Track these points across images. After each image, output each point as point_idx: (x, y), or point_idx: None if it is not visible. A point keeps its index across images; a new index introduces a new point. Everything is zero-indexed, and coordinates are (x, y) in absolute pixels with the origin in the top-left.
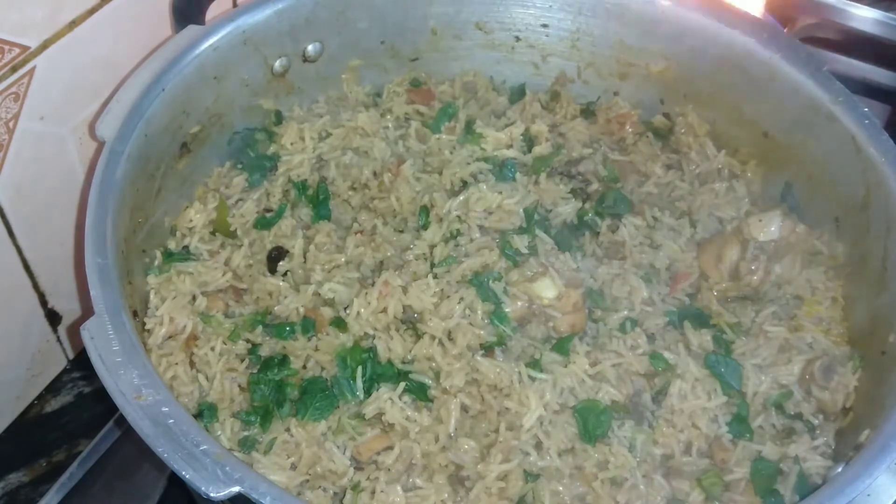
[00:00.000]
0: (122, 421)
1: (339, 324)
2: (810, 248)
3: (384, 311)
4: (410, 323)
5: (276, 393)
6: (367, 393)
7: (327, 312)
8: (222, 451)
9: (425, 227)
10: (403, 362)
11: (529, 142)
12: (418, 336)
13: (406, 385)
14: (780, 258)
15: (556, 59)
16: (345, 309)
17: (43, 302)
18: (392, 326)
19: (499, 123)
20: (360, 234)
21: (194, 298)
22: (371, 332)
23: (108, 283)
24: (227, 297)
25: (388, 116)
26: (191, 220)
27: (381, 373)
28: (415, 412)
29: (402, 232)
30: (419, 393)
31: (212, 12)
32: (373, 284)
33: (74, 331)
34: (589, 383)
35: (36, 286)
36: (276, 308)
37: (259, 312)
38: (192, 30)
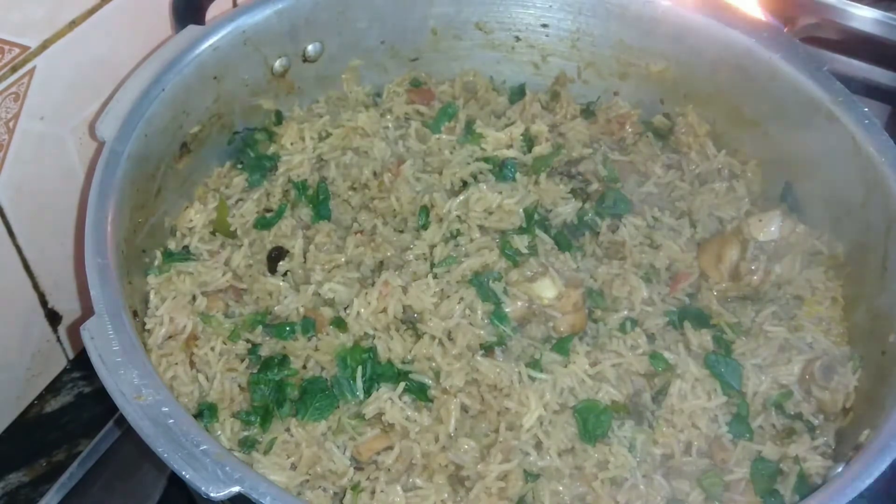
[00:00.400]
0: (122, 421)
1: (339, 324)
2: (810, 248)
3: (384, 311)
4: (410, 323)
5: (276, 393)
6: (367, 393)
7: (327, 312)
8: (222, 451)
9: (425, 227)
10: (403, 362)
11: (529, 142)
12: (418, 336)
13: (406, 385)
14: (780, 258)
15: (556, 59)
16: (345, 309)
17: (43, 302)
18: (392, 326)
19: (499, 123)
20: (360, 234)
21: (194, 298)
22: (371, 332)
23: (108, 283)
24: (227, 297)
25: (388, 116)
26: (191, 220)
27: (381, 373)
28: (415, 412)
29: (402, 232)
30: (419, 393)
31: (212, 12)
32: (373, 284)
33: (74, 331)
34: (589, 383)
35: (36, 286)
36: (276, 308)
37: (259, 312)
38: (192, 30)
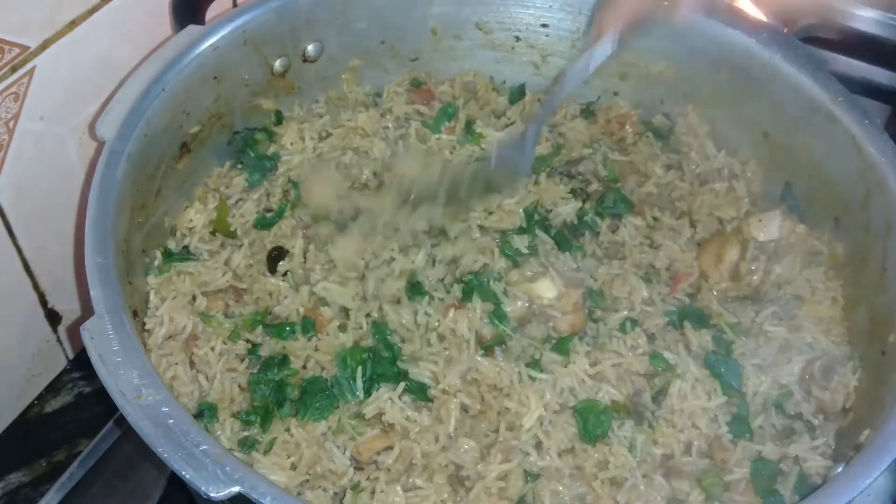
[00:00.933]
0: (122, 421)
1: (339, 324)
2: (810, 248)
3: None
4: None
5: (276, 393)
6: (367, 393)
7: (327, 312)
8: (222, 451)
9: None
10: (408, 329)
11: None
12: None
13: (406, 385)
14: (780, 258)
15: (556, 59)
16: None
17: (43, 302)
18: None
19: (499, 123)
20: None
21: (194, 298)
22: (381, 304)
23: (108, 283)
24: (227, 297)
25: (388, 116)
26: (191, 220)
27: (381, 373)
28: (415, 412)
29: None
30: (419, 393)
31: (212, 12)
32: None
33: (74, 331)
34: (589, 383)
35: (36, 286)
36: (276, 308)
37: (259, 312)
38: (192, 30)
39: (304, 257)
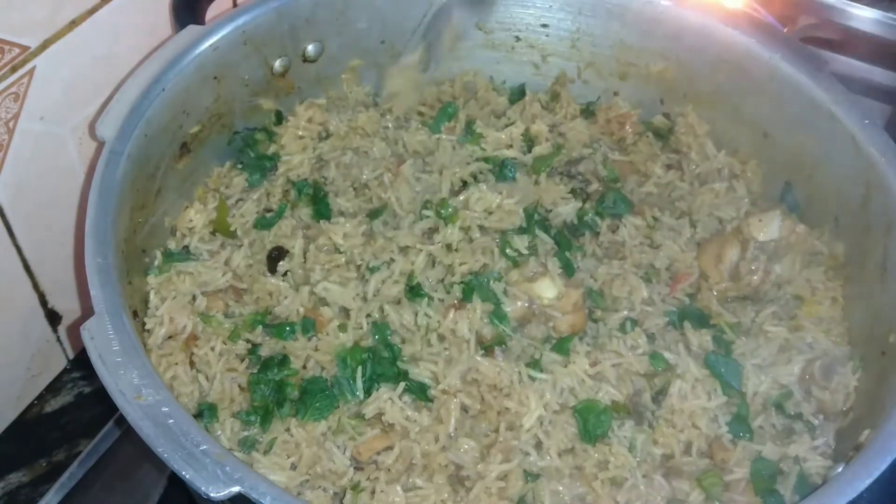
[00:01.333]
0: (122, 421)
1: (339, 324)
2: (810, 248)
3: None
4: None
5: (276, 393)
6: (367, 393)
7: (327, 312)
8: (222, 451)
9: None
10: (409, 330)
11: (529, 142)
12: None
13: (406, 385)
14: (780, 258)
15: (556, 59)
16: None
17: (43, 302)
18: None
19: (499, 123)
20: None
21: (194, 298)
22: (383, 306)
23: (108, 283)
24: (227, 297)
25: (388, 116)
26: (191, 220)
27: (381, 373)
28: (415, 412)
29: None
30: (419, 393)
31: (212, 12)
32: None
33: (74, 331)
34: (589, 383)
35: (36, 286)
36: (276, 308)
37: (259, 312)
38: (192, 30)
39: (304, 257)
